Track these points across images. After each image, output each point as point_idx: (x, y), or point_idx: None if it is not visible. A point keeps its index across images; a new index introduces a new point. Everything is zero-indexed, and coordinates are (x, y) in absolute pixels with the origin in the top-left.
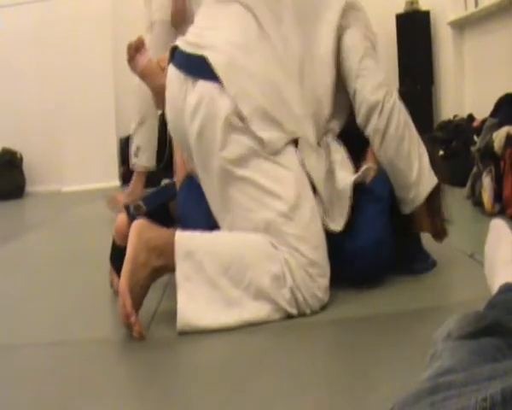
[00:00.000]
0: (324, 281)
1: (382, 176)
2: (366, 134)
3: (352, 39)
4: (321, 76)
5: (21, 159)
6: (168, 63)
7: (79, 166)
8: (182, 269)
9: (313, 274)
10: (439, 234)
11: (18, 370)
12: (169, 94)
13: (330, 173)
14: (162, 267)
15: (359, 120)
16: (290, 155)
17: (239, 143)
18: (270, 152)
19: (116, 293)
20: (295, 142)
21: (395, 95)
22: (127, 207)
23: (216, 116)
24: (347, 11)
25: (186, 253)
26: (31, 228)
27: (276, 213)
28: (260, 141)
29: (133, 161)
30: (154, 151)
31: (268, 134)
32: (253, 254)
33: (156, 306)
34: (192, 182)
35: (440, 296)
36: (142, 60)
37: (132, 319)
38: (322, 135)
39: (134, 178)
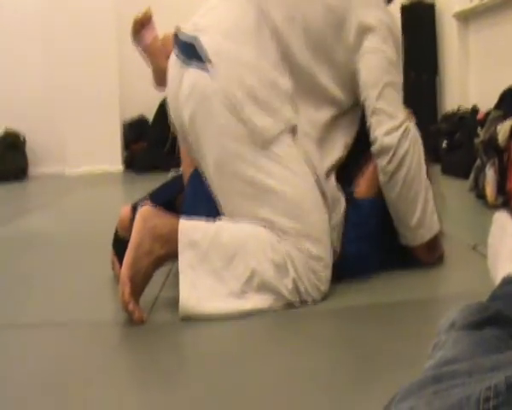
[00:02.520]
0: (326, 273)
1: (376, 201)
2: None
3: (371, 66)
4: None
5: (25, 140)
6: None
7: (83, 149)
8: (185, 258)
9: (315, 267)
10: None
11: (19, 350)
12: (169, 78)
13: None
14: (166, 256)
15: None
16: (286, 146)
17: (232, 133)
18: (265, 140)
19: (117, 278)
20: (293, 131)
21: (411, 132)
22: (134, 205)
23: (208, 102)
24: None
25: (190, 242)
26: (33, 210)
27: (275, 211)
28: (254, 128)
29: None
30: None
31: (262, 120)
32: (257, 244)
33: (158, 292)
34: (199, 177)
35: (443, 287)
36: (148, 36)
37: (130, 306)
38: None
39: None
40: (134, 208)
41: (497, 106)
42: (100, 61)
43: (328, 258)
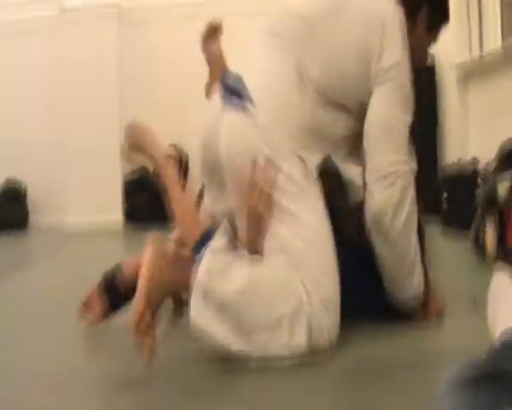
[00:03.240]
0: (336, 319)
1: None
2: None
3: (374, 107)
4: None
5: (26, 190)
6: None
7: (84, 200)
8: (197, 306)
9: (328, 311)
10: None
11: (17, 399)
12: (207, 114)
13: None
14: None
15: None
16: (317, 187)
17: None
18: (304, 174)
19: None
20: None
21: (398, 186)
22: None
23: (249, 145)
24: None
25: (203, 291)
26: (33, 261)
27: (303, 241)
28: (300, 159)
29: None
30: None
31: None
32: (270, 292)
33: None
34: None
35: (442, 343)
36: (215, 46)
37: (147, 319)
38: None
39: None
40: None
41: (497, 159)
42: (101, 113)
43: (338, 304)
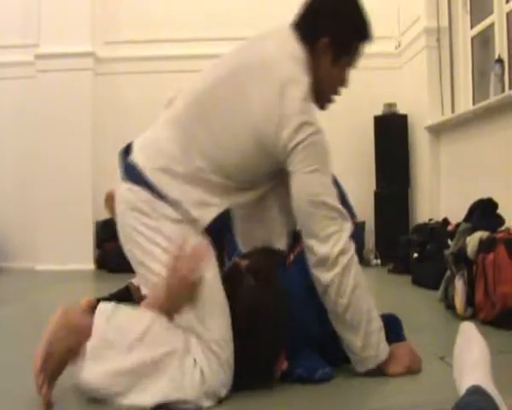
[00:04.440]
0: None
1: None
2: None
3: (296, 186)
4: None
5: None
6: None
7: (54, 247)
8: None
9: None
10: None
11: None
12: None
13: None
14: (77, 345)
15: None
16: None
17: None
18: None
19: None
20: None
21: (340, 269)
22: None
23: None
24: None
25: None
26: (1, 304)
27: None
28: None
29: None
30: None
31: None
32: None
33: None
34: None
35: (410, 398)
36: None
37: (43, 390)
38: None
39: None
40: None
41: (467, 218)
42: (73, 161)
43: (230, 359)
